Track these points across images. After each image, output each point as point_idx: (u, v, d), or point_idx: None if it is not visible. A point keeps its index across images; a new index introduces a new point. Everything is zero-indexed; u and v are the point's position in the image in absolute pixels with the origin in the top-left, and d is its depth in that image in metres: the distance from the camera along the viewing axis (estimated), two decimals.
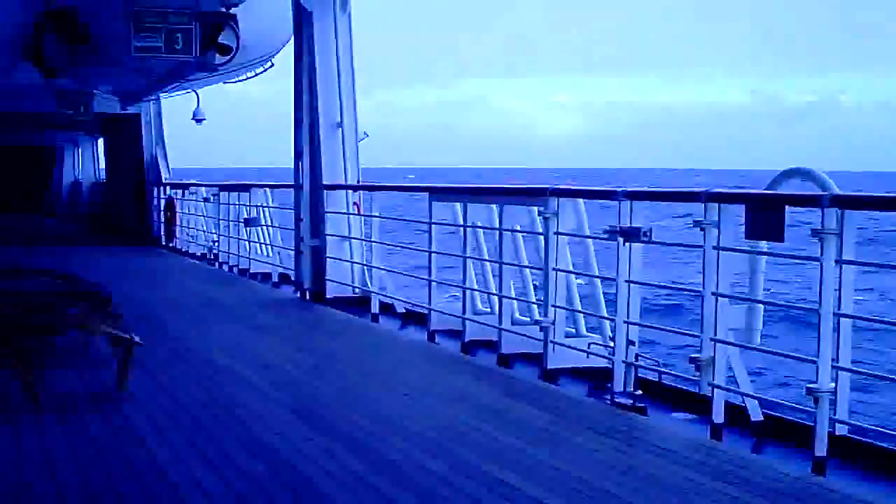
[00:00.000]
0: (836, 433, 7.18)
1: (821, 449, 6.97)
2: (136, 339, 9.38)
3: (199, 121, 29.43)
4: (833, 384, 7.03)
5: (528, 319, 11.40)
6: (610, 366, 9.12)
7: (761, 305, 8.24)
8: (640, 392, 8.87)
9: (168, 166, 31.03)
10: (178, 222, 28.06)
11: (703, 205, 8.13)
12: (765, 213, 7.52)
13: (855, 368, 7.39)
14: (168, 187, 29.34)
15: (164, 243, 28.88)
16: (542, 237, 10.35)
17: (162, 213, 29.36)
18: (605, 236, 9.12)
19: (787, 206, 7.39)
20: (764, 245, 7.96)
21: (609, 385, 9.01)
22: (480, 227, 12.03)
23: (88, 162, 46.05)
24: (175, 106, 30.89)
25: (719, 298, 8.00)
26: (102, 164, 41.84)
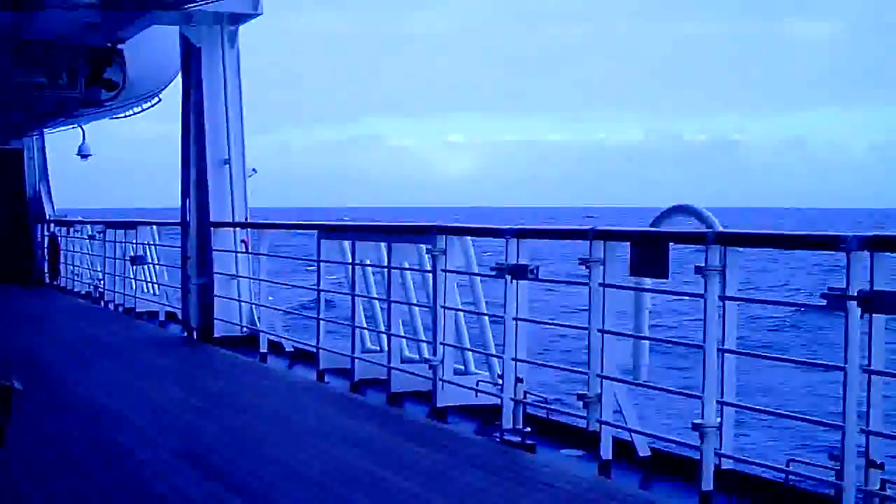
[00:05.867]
0: (722, 467, 7.27)
1: (707, 483, 7.06)
2: (16, 384, 9.11)
3: (84, 156, 28.98)
4: (718, 419, 7.13)
5: (418, 357, 11.39)
6: (499, 403, 9.14)
7: (647, 342, 8.34)
8: (528, 429, 8.90)
9: (52, 203, 30.41)
10: (62, 260, 27.53)
11: (589, 242, 8.21)
12: (649, 249, 7.62)
13: (739, 403, 7.50)
14: (52, 224, 28.78)
15: (47, 282, 28.29)
16: (430, 275, 10.36)
17: (45, 250, 28.76)
18: (493, 273, 9.16)
19: (670, 244, 7.50)
20: (648, 282, 8.06)
21: (498, 422, 9.03)
22: (369, 266, 12.00)
23: None
24: (61, 142, 30.34)
25: (605, 335, 8.08)
26: None
